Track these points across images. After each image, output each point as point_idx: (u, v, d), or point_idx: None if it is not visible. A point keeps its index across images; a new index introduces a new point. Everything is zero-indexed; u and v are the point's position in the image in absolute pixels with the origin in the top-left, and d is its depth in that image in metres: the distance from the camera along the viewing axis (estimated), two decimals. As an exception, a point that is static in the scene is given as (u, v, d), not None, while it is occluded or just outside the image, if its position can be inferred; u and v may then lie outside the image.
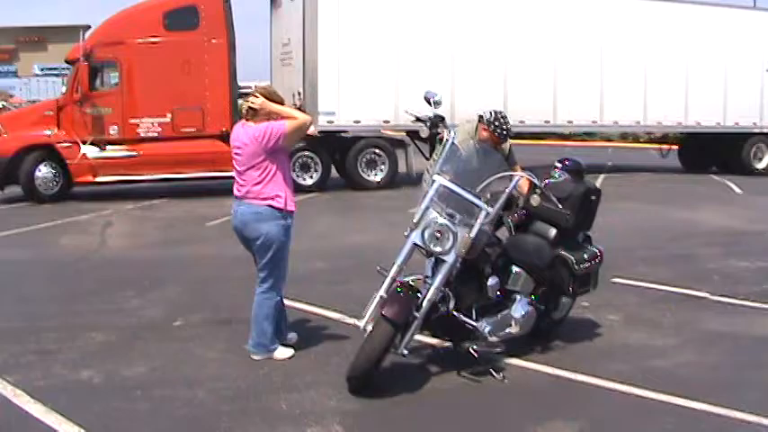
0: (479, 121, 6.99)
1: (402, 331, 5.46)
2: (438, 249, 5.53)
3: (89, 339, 6.71)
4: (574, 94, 19.34)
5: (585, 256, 6.44)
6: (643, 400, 5.38)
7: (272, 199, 5.96)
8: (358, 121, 17.67)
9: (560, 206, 5.99)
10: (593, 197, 6.55)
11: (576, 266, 6.33)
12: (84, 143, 16.20)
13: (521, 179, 5.93)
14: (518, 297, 6.12)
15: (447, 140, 5.79)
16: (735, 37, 21.01)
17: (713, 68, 20.76)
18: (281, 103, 6.22)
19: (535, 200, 6.05)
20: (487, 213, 5.60)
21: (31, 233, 12.69)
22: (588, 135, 32.16)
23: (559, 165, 6.53)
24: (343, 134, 18.11)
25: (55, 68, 37.60)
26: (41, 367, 6.02)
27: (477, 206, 5.60)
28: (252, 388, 5.61)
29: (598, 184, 17.88)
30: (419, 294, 5.53)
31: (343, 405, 5.28)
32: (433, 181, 5.66)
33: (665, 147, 23.73)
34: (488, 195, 5.75)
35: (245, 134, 6.07)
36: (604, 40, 19.61)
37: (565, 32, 19.23)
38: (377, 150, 17.97)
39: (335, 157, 18.04)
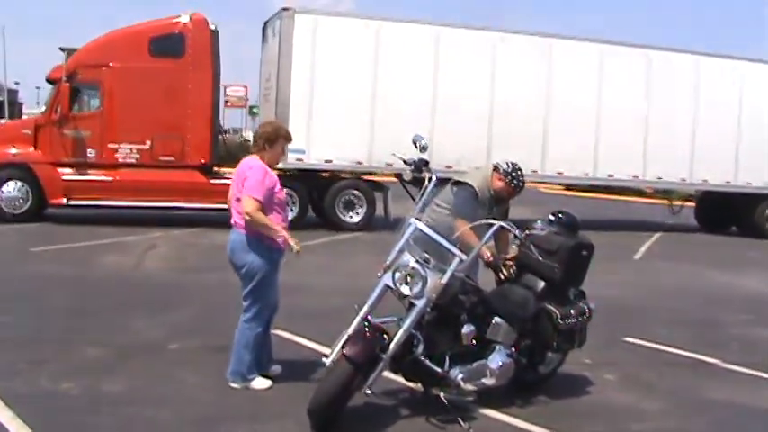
0: (494, 170, 6.94)
1: (366, 371, 5.47)
2: (407, 292, 5.55)
3: (83, 354, 6.94)
4: (565, 143, 18.41)
5: (572, 311, 6.35)
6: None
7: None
8: (329, 161, 17.35)
9: (540, 258, 5.94)
10: (585, 252, 6.47)
11: (560, 321, 6.24)
12: (60, 164, 16.10)
13: (499, 229, 5.90)
14: (497, 347, 6.08)
15: (428, 184, 5.83)
16: (748, 90, 19.80)
17: (723, 123, 19.55)
18: (289, 137, 6.40)
19: (513, 250, 6.00)
20: (461, 260, 5.60)
21: (76, 249, 13.15)
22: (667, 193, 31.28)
23: (552, 217, 6.48)
24: (322, 173, 17.80)
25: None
26: (28, 376, 6.27)
27: (451, 252, 5.61)
28: (217, 414, 5.70)
29: (648, 244, 17.83)
30: (386, 336, 5.54)
31: (298, 439, 5.33)
32: (410, 224, 5.70)
33: (676, 203, 22.84)
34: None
35: (241, 166, 6.25)
36: (601, 88, 18.71)
37: (555, 78, 18.48)
38: (356, 192, 17.67)
39: (313, 196, 17.70)
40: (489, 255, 6.46)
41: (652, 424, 6.07)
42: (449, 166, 15.69)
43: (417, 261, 5.59)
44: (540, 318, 6.28)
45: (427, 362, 5.65)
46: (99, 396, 5.91)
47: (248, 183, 6.08)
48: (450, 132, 17.04)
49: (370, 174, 18.29)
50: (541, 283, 6.40)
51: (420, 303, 5.56)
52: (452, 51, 17.87)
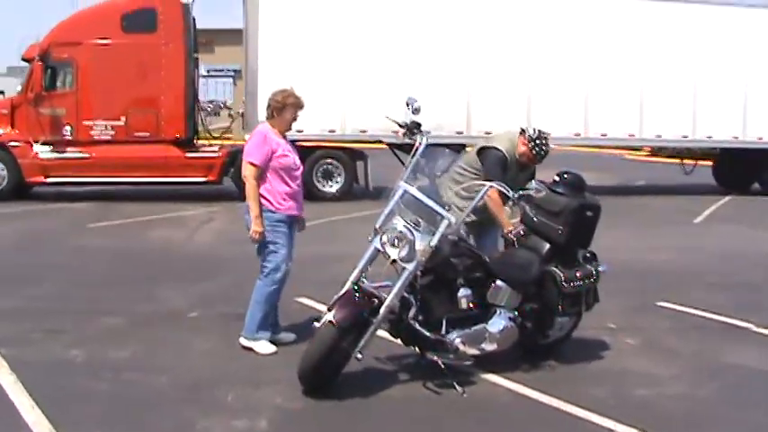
0: (521, 133, 6.91)
1: (356, 335, 5.44)
2: (394, 255, 5.49)
3: (101, 323, 7.12)
4: (553, 104, 17.39)
5: (578, 274, 6.16)
6: (593, 428, 5.11)
7: None
8: (301, 131, 15.82)
9: (535, 219, 5.80)
10: (590, 213, 6.26)
11: (565, 284, 6.07)
12: (36, 143, 16.18)
13: (490, 189, 5.78)
14: (498, 311, 5.96)
15: (418, 147, 5.74)
16: (754, 39, 18.49)
17: (730, 74, 18.31)
18: (298, 104, 6.78)
19: (506, 212, 5.86)
20: (450, 223, 5.50)
21: (133, 224, 13.51)
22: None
23: (557, 178, 6.31)
24: (299, 143, 17.38)
25: (221, 69, 38.41)
26: (41, 344, 6.50)
27: (440, 215, 5.51)
28: (213, 380, 5.77)
29: (714, 207, 17.11)
30: (375, 300, 5.50)
31: (286, 403, 5.36)
32: (399, 187, 5.62)
33: (688, 162, 21.48)
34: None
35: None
36: (590, 43, 17.72)
37: (540, 34, 17.59)
38: (333, 161, 17.29)
39: None
40: (508, 229, 6.42)
41: (658, 389, 5.85)
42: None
43: (406, 224, 5.52)
44: (544, 281, 6.13)
45: (417, 326, 5.59)
46: (102, 363, 6.05)
47: (246, 149, 6.49)
48: (427, 97, 16.25)
49: (347, 142, 17.63)
50: (546, 246, 6.25)
51: (410, 267, 5.49)
52: (427, 11, 17.11)
